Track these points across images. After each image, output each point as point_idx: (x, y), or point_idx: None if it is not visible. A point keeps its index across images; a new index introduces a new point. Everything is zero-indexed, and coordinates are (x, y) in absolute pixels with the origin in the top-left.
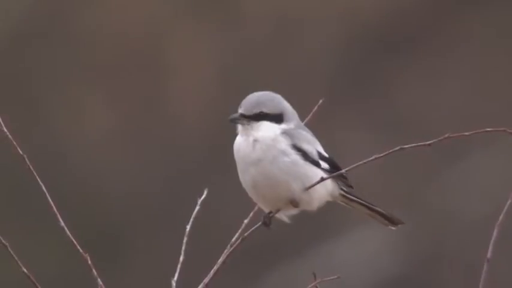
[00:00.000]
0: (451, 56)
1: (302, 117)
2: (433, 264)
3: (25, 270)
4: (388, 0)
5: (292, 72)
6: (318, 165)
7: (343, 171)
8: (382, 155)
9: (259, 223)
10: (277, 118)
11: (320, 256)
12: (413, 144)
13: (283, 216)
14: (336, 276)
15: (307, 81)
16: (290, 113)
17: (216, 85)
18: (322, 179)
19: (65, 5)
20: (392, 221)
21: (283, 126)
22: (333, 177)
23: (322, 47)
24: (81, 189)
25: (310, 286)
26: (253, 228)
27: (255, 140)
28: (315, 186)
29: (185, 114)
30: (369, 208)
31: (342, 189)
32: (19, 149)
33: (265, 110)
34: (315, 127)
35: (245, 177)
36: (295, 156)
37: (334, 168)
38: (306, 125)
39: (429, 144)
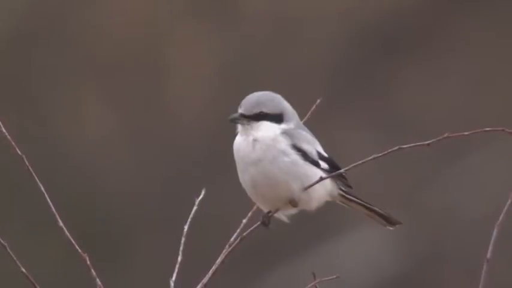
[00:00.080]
0: (450, 56)
1: (302, 117)
2: (432, 264)
3: (24, 270)
4: (388, 0)
5: (292, 72)
6: (317, 165)
7: (342, 170)
8: (380, 154)
9: (258, 223)
10: (277, 118)
11: (320, 256)
12: (412, 144)
13: (283, 215)
14: (335, 276)
15: (307, 81)
16: (290, 113)
17: (216, 85)
18: (321, 179)
19: (65, 5)
20: (390, 221)
21: (283, 126)
22: (332, 177)
23: (322, 47)
24: (80, 189)
25: (309, 286)
26: (252, 228)
27: (255, 140)
28: (314, 186)
29: (185, 114)
30: (367, 208)
31: (340, 189)
32: (18, 150)
33: (265, 110)
34: (314, 127)
35: (244, 177)
36: (295, 156)
37: (333, 168)
38: (305, 124)
39: (428, 144)
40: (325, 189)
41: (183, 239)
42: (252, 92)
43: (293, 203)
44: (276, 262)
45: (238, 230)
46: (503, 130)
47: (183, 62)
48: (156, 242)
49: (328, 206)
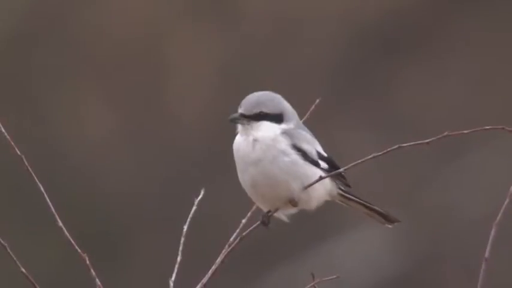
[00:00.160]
0: (450, 56)
1: (302, 116)
2: (432, 264)
3: (24, 270)
4: (388, 0)
5: (292, 72)
6: (317, 165)
7: (341, 170)
8: (380, 153)
9: (258, 222)
10: (277, 118)
11: (320, 256)
12: (412, 143)
13: (282, 215)
14: (335, 276)
15: (307, 81)
16: (290, 112)
17: (216, 85)
18: (321, 178)
19: (65, 5)
20: (388, 219)
21: (283, 126)
22: (332, 177)
23: (322, 47)
24: (79, 189)
25: (309, 286)
26: (251, 228)
27: (255, 140)
28: (314, 186)
29: (185, 114)
30: (366, 207)
31: (340, 188)
32: (17, 150)
33: (265, 110)
34: (314, 127)
35: (244, 176)
36: (295, 156)
37: (333, 168)
38: (305, 124)
39: (427, 143)
40: (324, 189)
41: (182, 239)
42: (252, 92)
43: (293, 202)
44: (275, 262)
45: (237, 230)
46: (503, 128)
47: (183, 62)
48: (155, 242)
49: (327, 206)
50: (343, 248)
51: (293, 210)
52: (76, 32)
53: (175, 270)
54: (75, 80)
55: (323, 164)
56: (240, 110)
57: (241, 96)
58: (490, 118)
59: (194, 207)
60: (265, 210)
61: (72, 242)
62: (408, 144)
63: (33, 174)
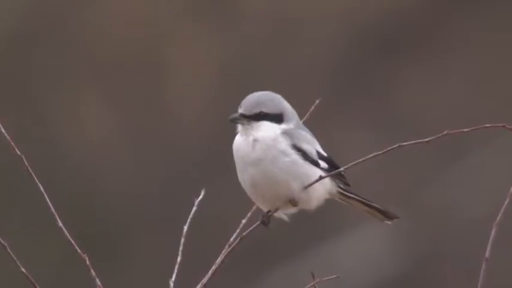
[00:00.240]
0: (450, 56)
1: (301, 117)
2: (432, 264)
3: (24, 270)
4: (388, 0)
5: (292, 72)
6: (317, 164)
7: (342, 169)
8: (380, 152)
9: (258, 222)
10: (277, 118)
11: (320, 256)
12: (412, 142)
13: (283, 215)
14: (335, 276)
15: (307, 81)
16: (290, 113)
17: (216, 85)
18: (321, 178)
19: (65, 5)
20: (388, 216)
21: (283, 126)
22: (331, 176)
23: (322, 47)
24: (79, 190)
25: (309, 286)
26: (251, 228)
27: (255, 140)
28: (314, 185)
29: (185, 114)
30: (365, 204)
31: (339, 187)
32: (17, 150)
33: (265, 110)
34: (314, 127)
35: (244, 176)
36: (295, 156)
37: (333, 168)
38: (305, 124)
39: (427, 142)
40: (324, 188)
41: (182, 239)
42: (252, 92)
43: (293, 202)
44: (275, 262)
45: (237, 230)
46: (503, 126)
47: (183, 62)
48: (155, 242)
49: (327, 206)
50: (343, 248)
51: (293, 210)
52: (76, 32)
53: (176, 270)
54: (75, 80)
55: (323, 164)
56: (240, 110)
57: (241, 96)
58: (490, 118)
59: (194, 208)
60: (265, 210)
61: (72, 242)
62: (408, 143)
63: (33, 174)
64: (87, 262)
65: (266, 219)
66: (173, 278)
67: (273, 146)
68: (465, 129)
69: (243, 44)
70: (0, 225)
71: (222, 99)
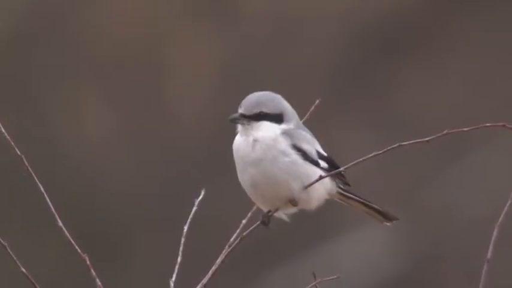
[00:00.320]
0: (450, 56)
1: (302, 117)
2: (432, 264)
3: (24, 270)
4: (388, 0)
5: (292, 72)
6: (317, 164)
7: (342, 169)
8: (380, 152)
9: (258, 222)
10: (277, 118)
11: (320, 256)
12: (412, 141)
13: (283, 215)
14: (335, 276)
15: (307, 81)
16: (290, 113)
17: (216, 85)
18: (321, 177)
19: (65, 5)
20: (387, 217)
21: (283, 126)
22: (331, 176)
23: (322, 47)
24: (79, 189)
25: (309, 286)
26: (251, 228)
27: (255, 140)
28: (314, 185)
29: (185, 114)
30: (365, 205)
31: (339, 187)
32: (17, 150)
33: (265, 110)
34: (314, 127)
35: (244, 176)
36: (295, 156)
37: (333, 167)
38: (305, 124)
39: (427, 141)
40: (324, 188)
41: (182, 240)
42: (252, 92)
43: (293, 202)
44: (276, 262)
45: (238, 230)
46: (504, 125)
47: (183, 62)
48: (155, 242)
49: (328, 206)
50: (343, 248)
51: (293, 210)
52: (76, 32)
53: (176, 270)
54: (75, 80)
55: (323, 164)
56: (240, 110)
57: (241, 96)
58: (490, 118)
59: (195, 208)
60: (265, 210)
61: (73, 242)
62: (409, 142)
63: (33, 174)
64: (88, 262)
65: (266, 219)
66: (173, 278)
67: (273, 146)
68: (465, 129)
69: (243, 44)
70: (0, 225)
71: (222, 99)
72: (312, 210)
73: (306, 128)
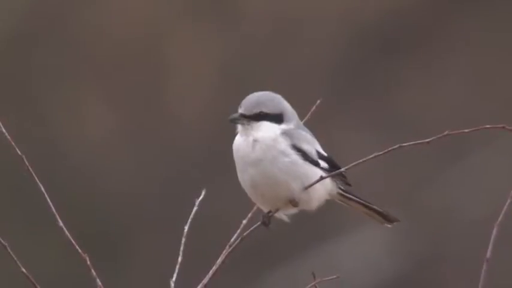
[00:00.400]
0: (450, 56)
1: (302, 117)
2: (432, 265)
3: (24, 270)
4: (388, 0)
5: (292, 72)
6: (317, 164)
7: (342, 169)
8: (381, 153)
9: (259, 223)
10: (277, 118)
11: (320, 256)
12: (412, 142)
13: (283, 215)
14: (335, 276)
15: (307, 81)
16: (290, 113)
17: (216, 85)
18: (322, 178)
19: (65, 5)
20: (388, 219)
21: (283, 126)
22: (332, 176)
23: (322, 47)
24: (80, 189)
25: (309, 286)
26: (252, 228)
27: (255, 140)
28: (314, 186)
29: (185, 114)
30: (366, 206)
31: (340, 188)
32: (17, 150)
33: (265, 110)
34: (314, 127)
35: (244, 177)
36: (295, 157)
37: (333, 167)
38: (305, 124)
39: (428, 142)
40: (325, 189)
41: (183, 239)
42: (252, 92)
43: (293, 202)
44: (276, 262)
45: (238, 230)
46: (503, 127)
47: (183, 62)
48: (155, 242)
49: (328, 206)
50: (343, 248)
51: (294, 211)
52: (76, 32)
53: (176, 270)
54: (75, 80)
55: (323, 164)
56: (240, 110)
57: (241, 96)
58: (491, 118)
59: (195, 208)
60: (265, 210)
61: (73, 242)
62: (409, 143)
63: (33, 174)
64: (88, 262)
65: (267, 219)
66: (174, 278)
67: (272, 146)
68: (466, 130)
69: (243, 44)
70: (1, 225)
71: (222, 99)
72: (313, 210)
73: (306, 128)
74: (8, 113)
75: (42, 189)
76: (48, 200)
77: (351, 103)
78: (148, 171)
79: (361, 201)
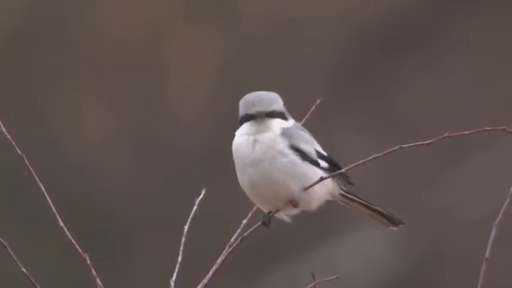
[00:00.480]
0: (450, 56)
1: (302, 117)
2: (432, 265)
3: (24, 270)
4: (388, 0)
5: (292, 72)
6: (317, 164)
7: (342, 170)
8: (381, 154)
9: (259, 223)
10: (283, 116)
11: (320, 256)
12: (412, 144)
13: (284, 215)
14: (335, 277)
15: (307, 81)
16: (286, 112)
17: (216, 85)
18: (322, 179)
19: (65, 5)
20: (393, 221)
21: (287, 124)
22: (333, 177)
23: (322, 47)
24: (80, 189)
25: (309, 286)
26: (252, 228)
27: (255, 141)
28: (314, 186)
29: (185, 114)
30: (369, 208)
31: (341, 188)
32: (18, 149)
33: (276, 108)
34: (314, 127)
35: (243, 177)
36: (293, 157)
37: (333, 167)
38: (305, 124)
39: (428, 144)
40: (325, 189)
41: (183, 239)
42: (250, 92)
43: (293, 203)
44: (276, 262)
45: (238, 230)
46: (504, 129)
47: (183, 62)
48: (156, 242)
49: (328, 206)
50: (343, 248)
51: (294, 211)
52: (76, 32)
53: (176, 270)
54: (75, 80)
55: (323, 163)
56: (257, 109)
57: (241, 97)
58: (491, 119)
59: (195, 208)
60: (265, 211)
61: (73, 241)
62: (409, 145)
63: (34, 174)
64: (88, 262)
65: (267, 220)
66: (174, 278)
67: (271, 146)
68: (466, 132)
69: (243, 44)
70: (1, 225)
71: (222, 99)
72: (313, 210)
73: (303, 128)
74: (8, 113)
75: (42, 188)
76: (48, 199)
77: (350, 103)
78: (148, 171)
79: (364, 202)
